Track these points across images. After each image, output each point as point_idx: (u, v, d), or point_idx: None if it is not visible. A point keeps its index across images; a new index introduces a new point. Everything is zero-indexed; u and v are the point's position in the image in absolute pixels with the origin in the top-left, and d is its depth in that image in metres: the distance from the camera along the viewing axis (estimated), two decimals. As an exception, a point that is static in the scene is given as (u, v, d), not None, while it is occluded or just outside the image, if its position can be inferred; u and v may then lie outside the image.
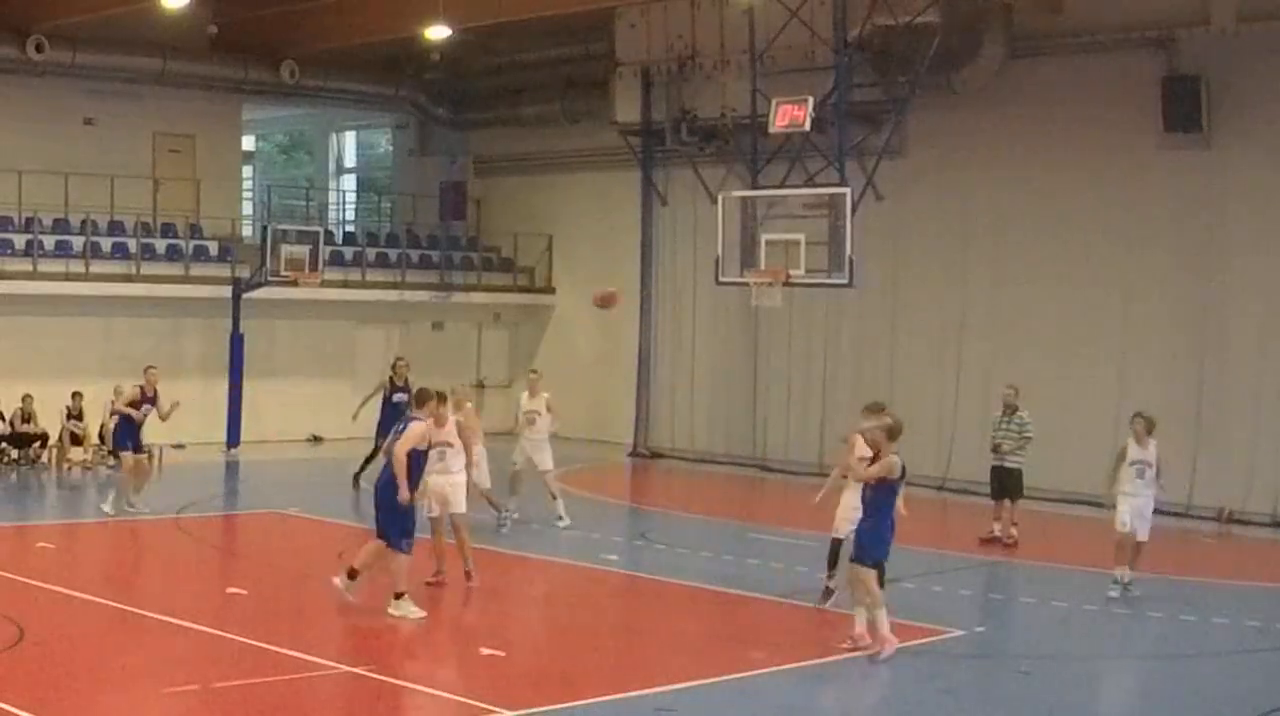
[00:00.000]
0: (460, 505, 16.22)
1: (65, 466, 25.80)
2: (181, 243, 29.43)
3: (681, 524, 22.36)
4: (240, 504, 24.77)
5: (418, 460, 14.81)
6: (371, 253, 32.24)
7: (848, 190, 22.56)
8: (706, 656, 13.77)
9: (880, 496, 13.54)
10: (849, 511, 14.93)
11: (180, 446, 27.82)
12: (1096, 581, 16.85)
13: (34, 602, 14.90)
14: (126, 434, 20.98)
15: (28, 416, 25.68)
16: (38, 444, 25.79)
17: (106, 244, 28.48)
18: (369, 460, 22.45)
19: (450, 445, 16.11)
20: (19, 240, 27.60)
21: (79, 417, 25.93)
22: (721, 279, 24.52)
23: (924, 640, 13.99)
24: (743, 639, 14.61)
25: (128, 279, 28.25)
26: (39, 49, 28.00)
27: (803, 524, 19.83)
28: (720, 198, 24.66)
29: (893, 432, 13.66)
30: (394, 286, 31.82)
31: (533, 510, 21.18)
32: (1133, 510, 16.61)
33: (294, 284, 28.23)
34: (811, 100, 22.79)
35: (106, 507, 20.44)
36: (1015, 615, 16.69)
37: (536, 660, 13.49)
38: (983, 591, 17.50)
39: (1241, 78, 23.02)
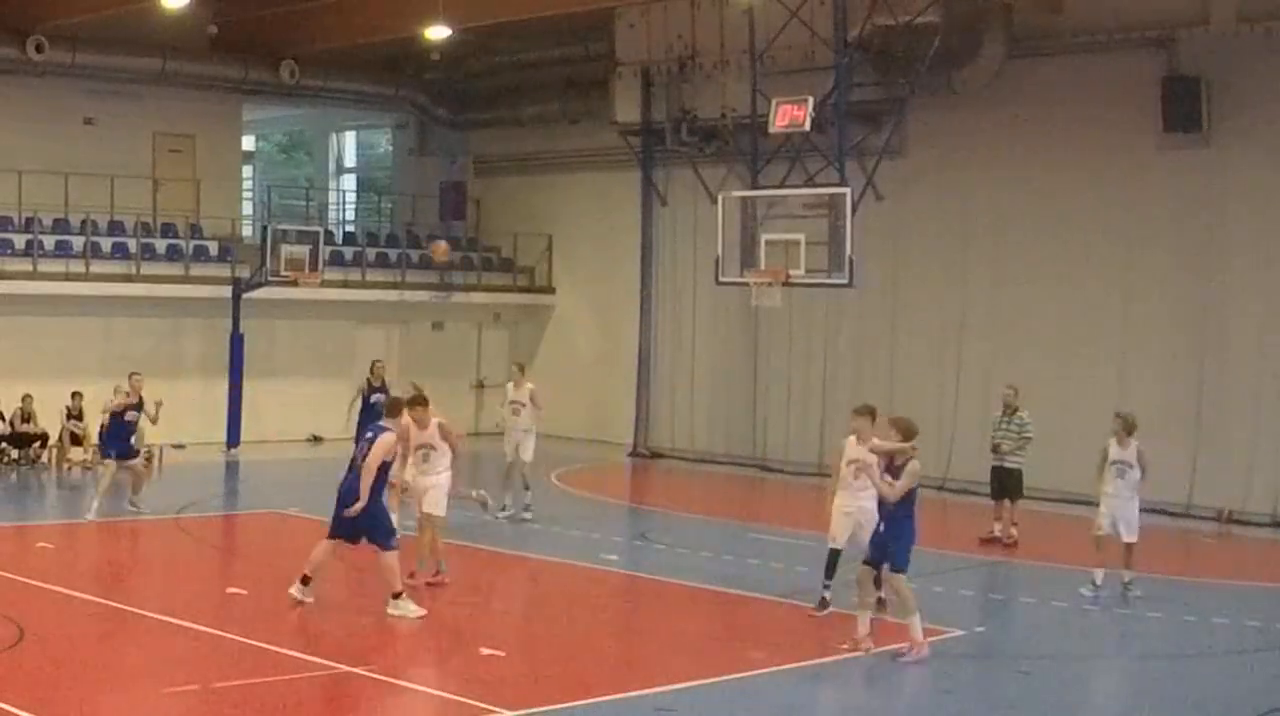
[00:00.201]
0: (432, 505, 16.18)
1: (65, 466, 25.81)
2: (181, 243, 29.43)
3: (681, 524, 22.35)
4: (240, 504, 24.78)
5: (384, 469, 14.81)
6: (371, 253, 32.25)
7: (848, 190, 22.56)
8: (706, 656, 13.78)
9: (903, 501, 13.52)
10: (841, 515, 14.96)
11: (180, 446, 27.84)
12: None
13: (34, 602, 14.90)
14: (113, 440, 20.85)
15: (28, 416, 25.69)
16: (38, 444, 25.80)
17: (106, 244, 28.48)
18: None
19: (433, 447, 16.11)
20: (19, 240, 27.61)
21: (79, 417, 25.92)
22: (721, 279, 24.52)
23: (925, 639, 13.97)
24: (743, 639, 14.62)
25: (128, 279, 28.25)
26: (39, 49, 27.99)
27: (803, 524, 19.85)
28: (720, 198, 24.66)
29: (908, 434, 13.62)
30: (394, 286, 31.82)
31: (532, 509, 21.18)
32: (1111, 511, 16.63)
33: (294, 284, 28.24)
34: (811, 100, 22.79)
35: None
36: (1015, 615, 16.68)
37: (536, 660, 13.49)
38: (983, 591, 17.50)
39: (1241, 78, 23.01)
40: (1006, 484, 20.13)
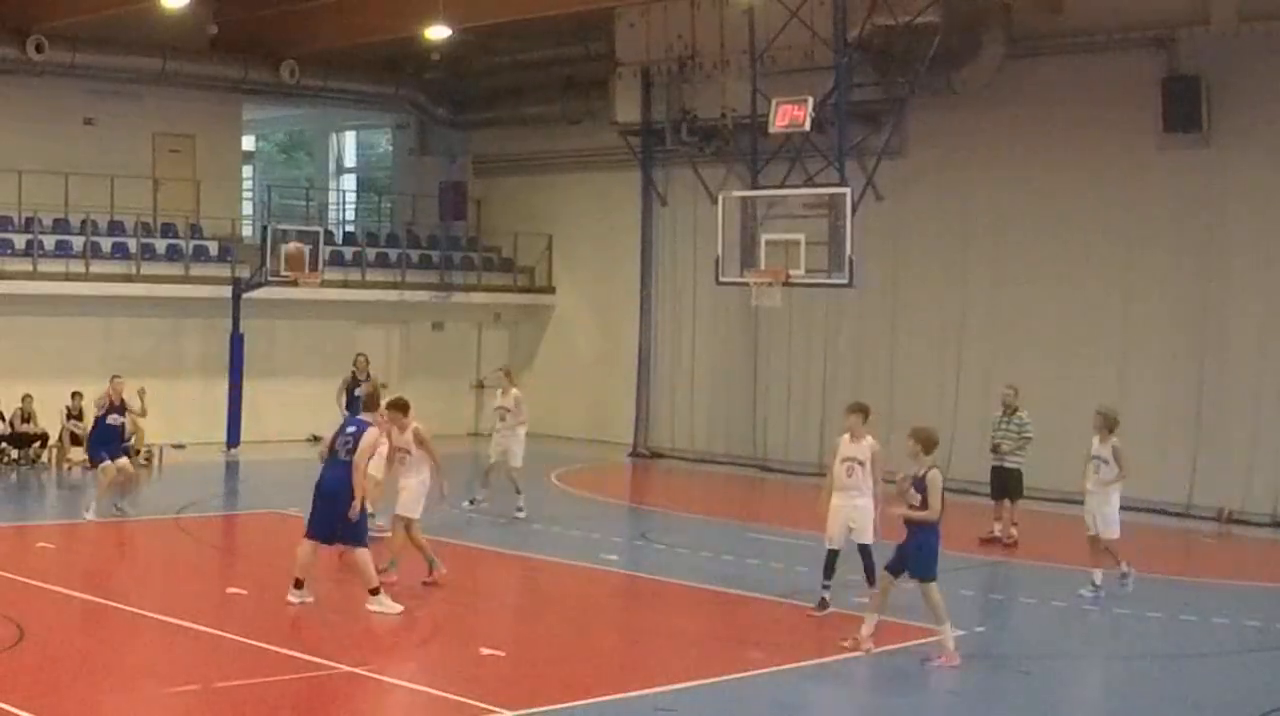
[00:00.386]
0: (404, 507, 16.18)
1: (65, 466, 25.79)
2: (181, 243, 29.43)
3: (681, 524, 22.35)
4: (240, 504, 24.78)
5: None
6: (371, 253, 32.26)
7: (848, 190, 22.56)
8: (706, 656, 13.77)
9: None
10: (838, 517, 14.95)
11: (180, 446, 27.86)
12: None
13: (34, 602, 14.90)
14: (102, 443, 20.76)
15: (28, 416, 25.69)
16: (38, 444, 25.80)
17: (106, 244, 28.48)
18: None
19: (409, 452, 16.12)
20: (19, 240, 27.61)
21: (79, 417, 25.88)
22: (721, 279, 24.52)
23: (924, 640, 13.97)
24: (743, 639, 14.62)
25: (128, 279, 28.25)
26: (39, 49, 27.98)
27: (803, 524, 19.84)
28: (720, 198, 24.67)
29: (929, 445, 13.60)
30: (394, 286, 31.84)
31: (532, 509, 21.19)
32: (1090, 508, 16.75)
33: (294, 284, 28.24)
34: (811, 100, 22.79)
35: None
36: (1015, 615, 16.68)
37: (536, 660, 13.48)
38: (983, 591, 17.49)
39: (1241, 78, 23.01)
40: (1006, 484, 20.14)
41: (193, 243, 29.50)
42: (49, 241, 27.82)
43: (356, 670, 12.71)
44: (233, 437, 28.65)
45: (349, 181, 41.09)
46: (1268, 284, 22.97)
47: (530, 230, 33.33)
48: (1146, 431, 23.67)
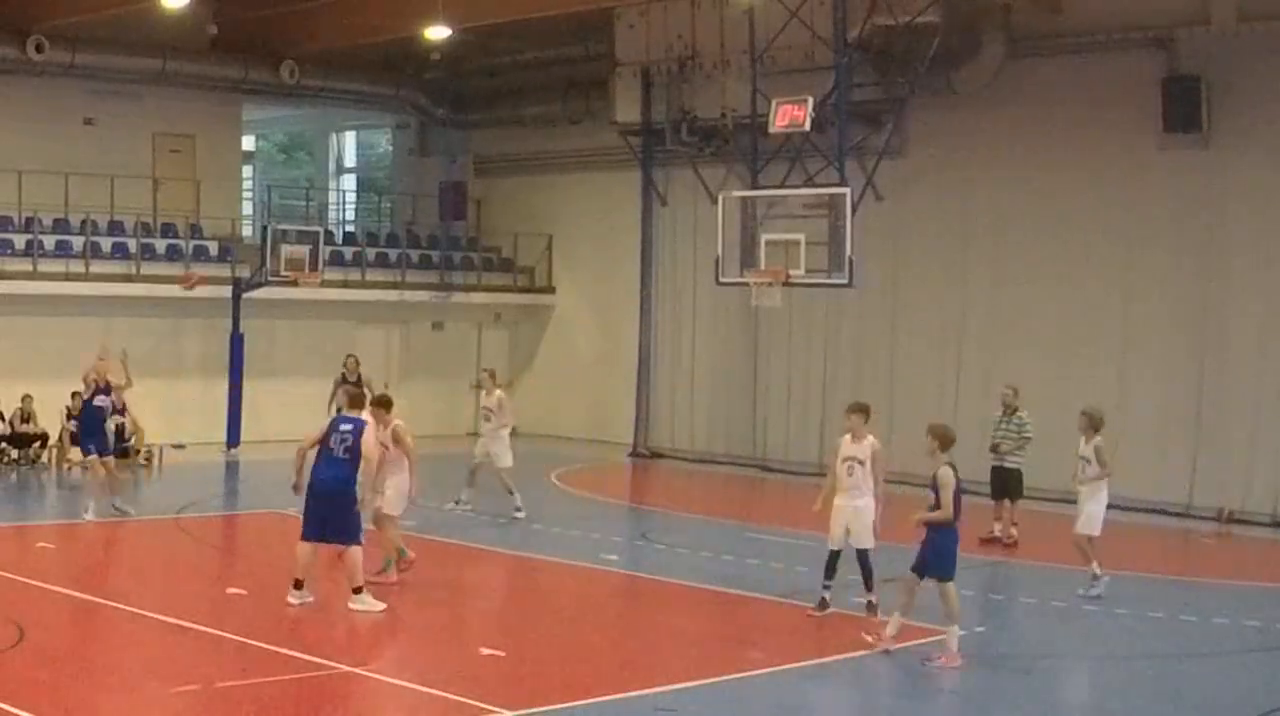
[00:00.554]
0: (390, 505, 16.21)
1: (65, 466, 25.78)
2: (181, 243, 29.44)
3: (681, 524, 22.35)
4: (240, 504, 24.78)
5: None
6: (371, 253, 32.26)
7: (848, 190, 22.57)
8: (706, 656, 13.78)
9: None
10: (840, 518, 14.94)
11: (180, 446, 27.86)
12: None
13: (34, 602, 14.90)
14: (89, 434, 20.63)
15: (28, 416, 25.68)
16: (38, 444, 25.79)
17: (106, 244, 28.48)
18: None
19: (387, 448, 16.14)
20: (19, 240, 27.61)
21: (79, 417, 25.89)
22: (721, 279, 24.53)
23: (924, 640, 13.97)
24: (743, 639, 14.61)
25: (128, 279, 28.25)
26: (39, 49, 27.99)
27: (803, 524, 19.83)
28: (720, 198, 24.67)
29: (946, 441, 13.60)
30: (394, 286, 31.84)
31: (532, 509, 21.19)
32: (1078, 506, 16.80)
33: (294, 284, 28.24)
34: (811, 100, 22.79)
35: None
36: (1015, 615, 16.68)
37: (536, 660, 13.48)
38: (983, 591, 17.47)
39: (1241, 78, 23.02)
40: (1006, 484, 20.15)
41: (193, 243, 29.50)
42: (49, 241, 27.82)
43: (356, 670, 12.72)
44: (233, 437, 28.65)
45: (349, 181, 41.09)
46: (1268, 284, 22.97)
47: (530, 230, 33.33)
48: (1146, 431, 23.72)
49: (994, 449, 20.24)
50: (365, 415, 15.39)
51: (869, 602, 15.00)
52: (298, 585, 14.82)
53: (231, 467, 27.55)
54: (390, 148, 39.19)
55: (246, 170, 37.18)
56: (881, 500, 14.89)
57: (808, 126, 22.79)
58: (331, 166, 40.44)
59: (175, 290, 28.55)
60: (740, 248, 23.87)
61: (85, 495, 20.64)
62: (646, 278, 30.82)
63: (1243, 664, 14.27)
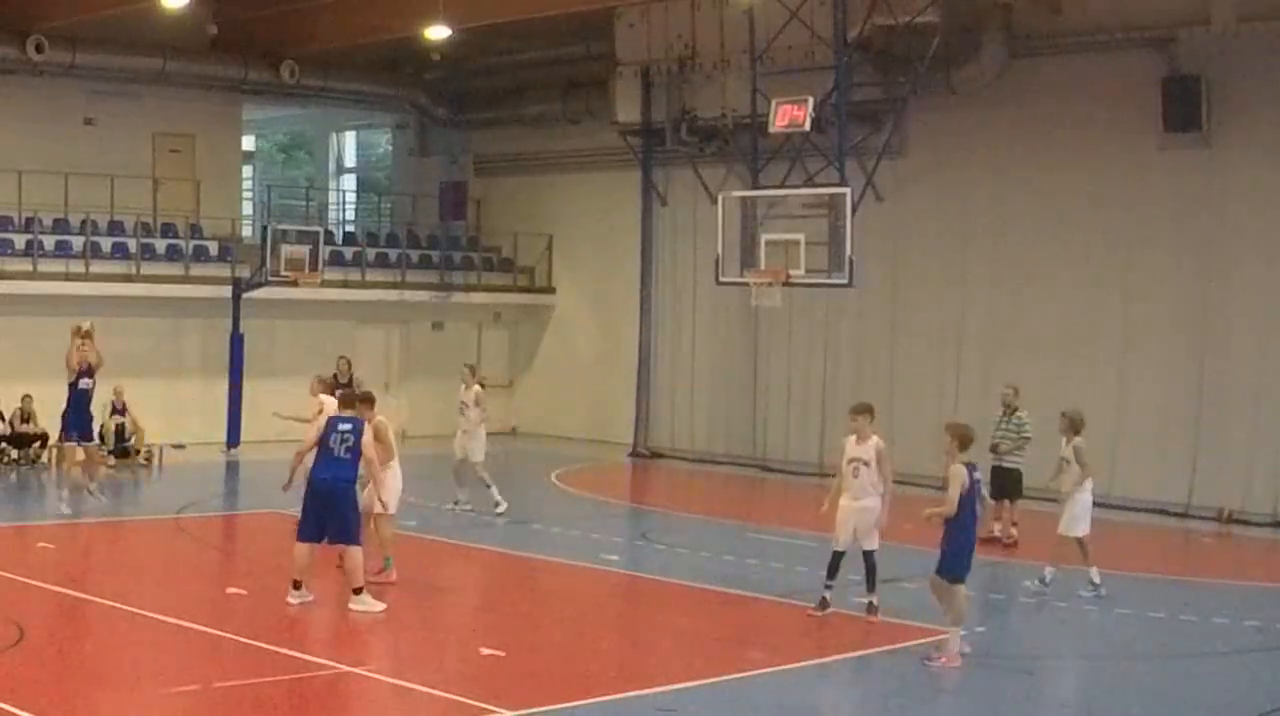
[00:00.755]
0: (382, 504, 16.19)
1: (65, 466, 25.75)
2: (181, 243, 29.43)
3: (681, 524, 22.35)
4: (240, 504, 24.77)
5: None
6: (371, 253, 32.26)
7: (848, 190, 22.58)
8: (706, 656, 13.78)
9: (960, 509, 13.45)
10: (845, 518, 14.94)
11: (180, 446, 27.85)
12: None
13: (34, 602, 14.91)
14: (74, 421, 20.54)
15: (28, 416, 25.67)
16: (38, 444, 25.78)
17: (106, 244, 28.47)
18: None
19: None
20: (19, 240, 27.60)
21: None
22: (721, 279, 24.54)
23: (924, 640, 13.98)
24: (743, 639, 14.61)
25: (128, 279, 28.24)
26: (39, 49, 27.98)
27: (803, 524, 19.84)
28: (720, 198, 24.68)
29: (965, 440, 13.59)
30: (394, 286, 31.84)
31: (532, 509, 21.20)
32: (1062, 508, 16.87)
33: (294, 284, 28.24)
34: (811, 100, 22.80)
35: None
36: (1015, 615, 16.68)
37: (536, 660, 13.48)
38: (983, 591, 17.44)
39: (1241, 78, 23.02)
40: (1006, 484, 20.15)
41: (193, 243, 29.49)
42: (49, 241, 27.81)
43: (356, 670, 12.72)
44: (233, 438, 28.64)
45: (349, 181, 41.08)
46: (1268, 284, 22.97)
47: (530, 230, 33.33)
48: (1146, 431, 23.74)
49: (994, 449, 20.24)
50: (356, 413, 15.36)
51: (869, 604, 15.00)
52: (296, 585, 14.82)
53: (231, 467, 27.55)
54: (390, 148, 39.18)
55: (246, 170, 37.17)
56: (889, 500, 14.89)
57: (808, 126, 22.81)
58: (331, 166, 40.43)
59: (175, 290, 28.55)
60: (740, 248, 23.88)
61: (62, 485, 20.59)
62: (646, 278, 30.83)
63: (1243, 664, 14.26)
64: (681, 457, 29.93)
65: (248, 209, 35.83)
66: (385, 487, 16.03)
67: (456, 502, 21.43)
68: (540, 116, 32.77)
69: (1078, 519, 16.79)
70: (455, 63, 32.11)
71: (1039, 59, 25.00)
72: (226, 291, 28.70)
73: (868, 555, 14.98)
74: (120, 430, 26.08)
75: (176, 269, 28.98)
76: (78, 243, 27.96)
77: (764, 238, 23.41)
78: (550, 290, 33.83)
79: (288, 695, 12.01)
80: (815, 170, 23.61)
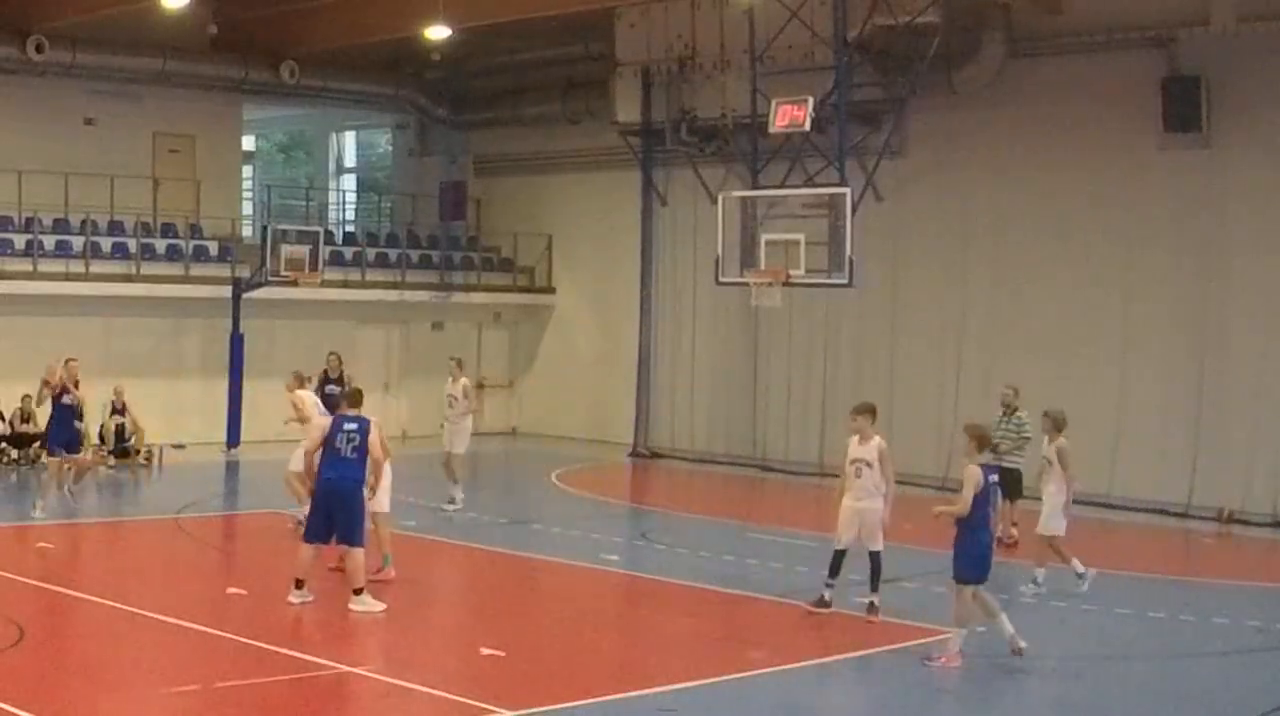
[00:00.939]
0: (381, 503, 16.24)
1: (65, 466, 25.74)
2: (181, 243, 29.43)
3: (681, 524, 22.35)
4: (240, 504, 24.77)
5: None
6: (371, 253, 32.26)
7: (848, 190, 22.57)
8: (706, 656, 13.77)
9: (972, 511, 13.41)
10: (848, 519, 14.94)
11: (180, 446, 27.86)
12: (1097, 581, 16.82)
13: (34, 602, 14.91)
14: (58, 433, 20.66)
15: (27, 416, 25.66)
16: (38, 444, 25.74)
17: (106, 244, 28.48)
18: None
19: None
20: (19, 240, 27.60)
21: (80, 418, 25.85)
22: (721, 279, 24.53)
23: (924, 640, 13.99)
24: (743, 639, 14.61)
25: (128, 279, 28.25)
26: (39, 49, 27.99)
27: (803, 524, 19.85)
28: (720, 198, 24.67)
29: (983, 441, 13.58)
30: (394, 286, 31.85)
31: (532, 509, 21.19)
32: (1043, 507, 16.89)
33: (294, 284, 28.24)
34: (811, 100, 22.79)
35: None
36: (1015, 615, 16.64)
37: (536, 660, 13.48)
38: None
39: (1241, 78, 23.01)
40: (1006, 484, 20.04)
41: (193, 243, 29.50)
42: (49, 241, 27.82)
43: (356, 670, 12.72)
44: (233, 437, 28.64)
45: (349, 181, 41.09)
46: (1268, 284, 22.97)
47: (530, 230, 33.34)
48: (1146, 431, 23.74)
49: (994, 449, 20.20)
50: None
51: (870, 604, 14.99)
52: (298, 584, 14.83)
53: (231, 467, 27.55)
54: (390, 148, 39.18)
55: (246, 170, 37.18)
56: (891, 501, 14.88)
57: (808, 126, 22.79)
58: (331, 166, 40.43)
59: (175, 290, 28.55)
60: (740, 248, 23.87)
61: (42, 494, 20.60)
62: (646, 278, 30.82)
63: (1243, 664, 14.26)
64: (681, 457, 29.93)
65: (248, 209, 35.84)
66: (383, 486, 16.06)
67: (451, 502, 21.40)
68: (540, 116, 32.77)
69: (1054, 518, 16.77)
70: (455, 63, 32.13)
71: (1039, 59, 25.00)
72: (226, 291, 28.70)
73: (873, 555, 14.98)
74: (120, 430, 26.09)
75: (176, 269, 28.99)
76: (78, 243, 27.96)
77: (764, 238, 23.40)
78: (550, 290, 33.84)
79: (288, 695, 12.01)
80: (815, 170, 23.60)
